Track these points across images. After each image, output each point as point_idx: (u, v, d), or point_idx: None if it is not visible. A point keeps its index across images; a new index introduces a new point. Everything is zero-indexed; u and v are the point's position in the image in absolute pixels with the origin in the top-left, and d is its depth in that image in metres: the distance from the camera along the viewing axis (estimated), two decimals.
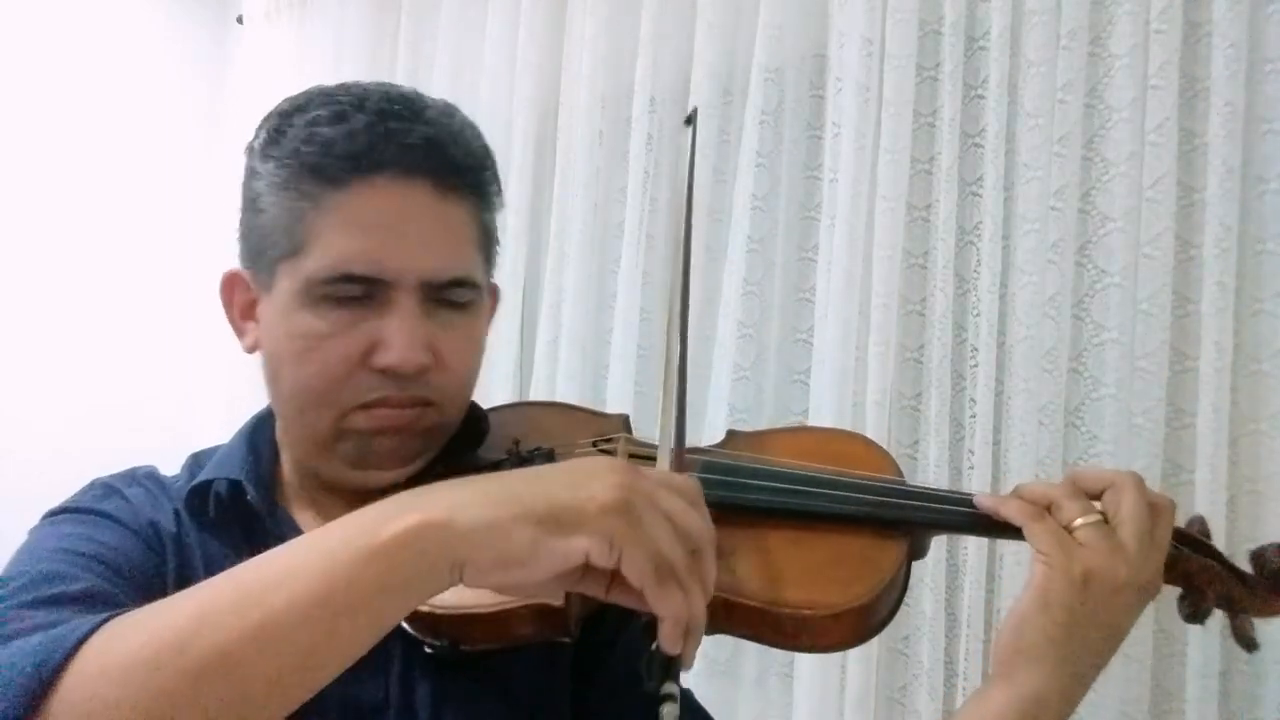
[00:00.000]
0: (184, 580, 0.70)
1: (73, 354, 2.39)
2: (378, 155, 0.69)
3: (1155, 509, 0.68)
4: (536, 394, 1.71)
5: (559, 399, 1.64)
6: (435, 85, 1.96)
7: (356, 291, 0.70)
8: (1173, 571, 0.71)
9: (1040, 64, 1.21)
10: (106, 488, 0.76)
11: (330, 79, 2.14)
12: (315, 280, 0.70)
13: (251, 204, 0.74)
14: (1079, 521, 0.67)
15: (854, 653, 1.29)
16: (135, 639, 0.50)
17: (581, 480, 0.55)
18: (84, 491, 0.76)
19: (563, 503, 0.53)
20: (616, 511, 0.53)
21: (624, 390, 1.60)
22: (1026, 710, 0.64)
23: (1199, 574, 0.72)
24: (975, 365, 1.26)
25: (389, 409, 0.72)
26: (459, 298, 0.74)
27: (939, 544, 1.24)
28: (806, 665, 1.33)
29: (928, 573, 1.24)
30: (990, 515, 0.70)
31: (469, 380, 0.78)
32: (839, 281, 1.35)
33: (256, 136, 0.75)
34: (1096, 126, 1.21)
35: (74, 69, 2.41)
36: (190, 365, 2.49)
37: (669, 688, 0.54)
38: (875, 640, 1.27)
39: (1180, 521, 0.73)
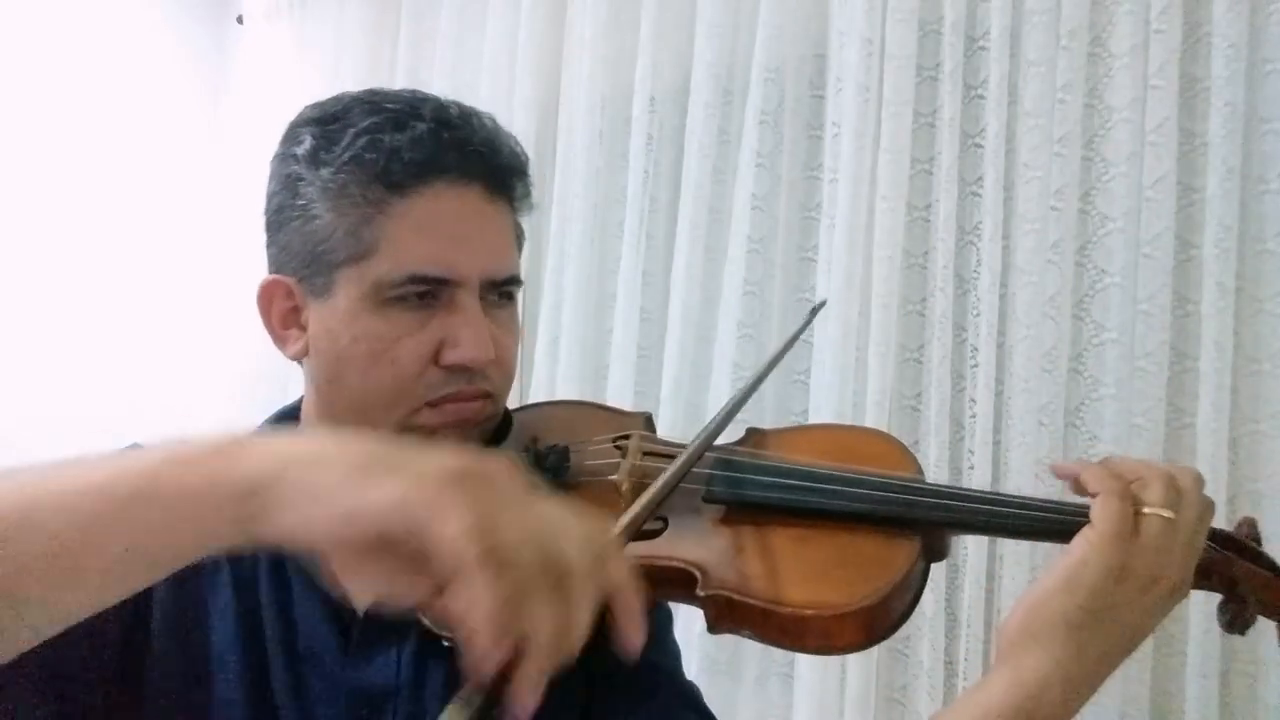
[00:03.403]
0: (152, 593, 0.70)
1: (71, 355, 2.39)
2: (441, 161, 0.72)
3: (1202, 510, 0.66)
4: (536, 394, 1.71)
5: (559, 399, 1.64)
6: (435, 85, 1.95)
7: (425, 291, 0.72)
8: (1215, 577, 0.68)
9: (1040, 64, 1.21)
10: None
11: (330, 78, 2.13)
12: (385, 283, 0.71)
13: (301, 211, 0.73)
14: (1150, 510, 0.64)
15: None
16: None
17: (429, 451, 0.47)
18: None
19: (386, 454, 0.47)
20: (449, 477, 0.45)
21: (624, 390, 1.60)
22: (1028, 694, 0.61)
23: (1243, 580, 0.68)
24: (975, 365, 1.26)
25: (457, 404, 0.74)
26: (511, 291, 0.78)
27: None
28: (807, 665, 1.33)
29: None
30: (1067, 477, 0.68)
31: (515, 372, 0.81)
32: (839, 281, 1.35)
33: (296, 144, 0.74)
34: (1096, 126, 1.21)
35: (74, 68, 2.41)
36: (193, 366, 2.48)
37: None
38: None
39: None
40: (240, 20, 2.55)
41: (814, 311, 0.98)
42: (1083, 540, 0.63)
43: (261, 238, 0.79)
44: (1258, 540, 0.71)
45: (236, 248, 2.32)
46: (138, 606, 0.69)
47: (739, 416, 0.83)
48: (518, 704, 0.43)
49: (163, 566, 0.49)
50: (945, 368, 1.27)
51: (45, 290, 2.36)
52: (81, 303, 2.41)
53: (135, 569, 0.48)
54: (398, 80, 2.05)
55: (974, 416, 1.25)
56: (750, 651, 1.45)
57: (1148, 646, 1.11)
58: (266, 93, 2.40)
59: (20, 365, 2.33)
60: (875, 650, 1.29)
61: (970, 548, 1.22)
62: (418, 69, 2.06)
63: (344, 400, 0.75)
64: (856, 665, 1.29)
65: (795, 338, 0.92)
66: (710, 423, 0.75)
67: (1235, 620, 0.69)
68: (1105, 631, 0.63)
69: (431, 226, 0.71)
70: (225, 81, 2.58)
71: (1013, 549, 1.20)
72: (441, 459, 0.46)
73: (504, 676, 0.43)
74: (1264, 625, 0.70)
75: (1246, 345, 1.10)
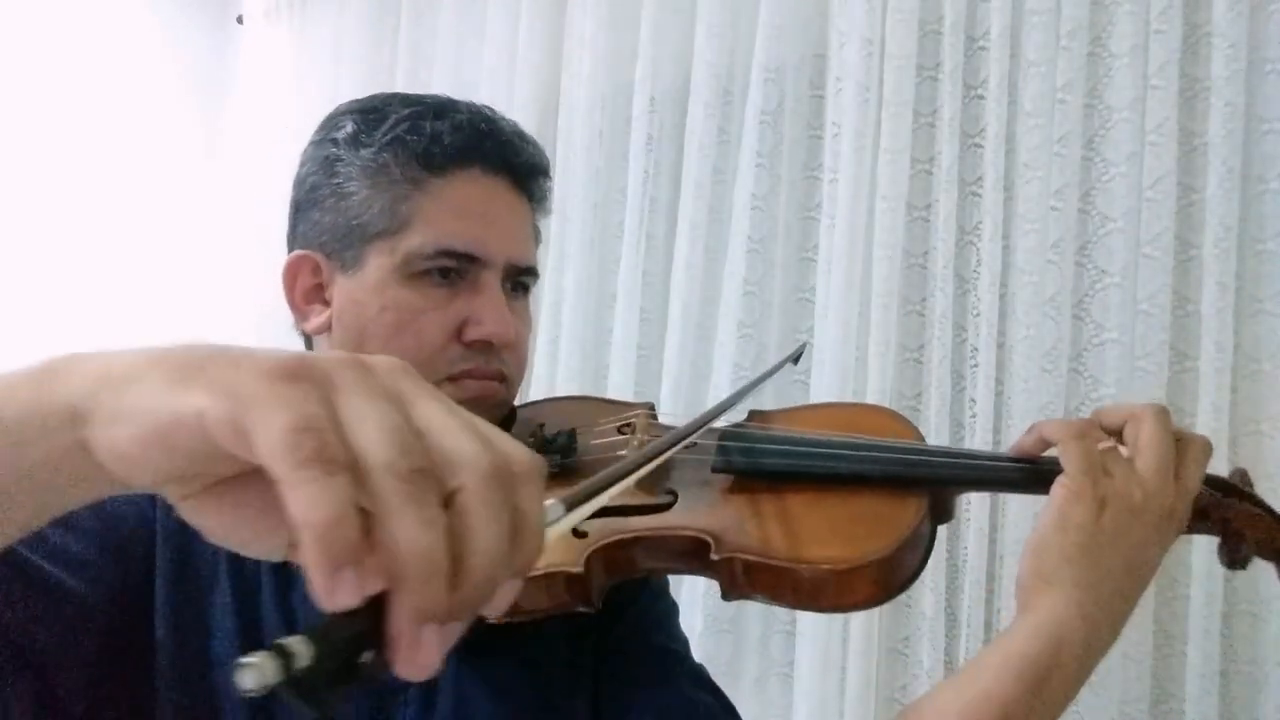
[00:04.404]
0: (183, 564, 0.71)
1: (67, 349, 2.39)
2: (477, 149, 0.77)
3: (1182, 442, 0.70)
4: (536, 394, 1.71)
5: (563, 395, 1.63)
6: (435, 85, 1.96)
7: (452, 267, 0.76)
8: (1209, 518, 0.73)
9: (1040, 64, 1.21)
10: None
11: (330, 79, 2.14)
12: (417, 255, 0.75)
13: (335, 189, 0.78)
14: (1104, 445, 0.70)
15: (854, 652, 1.29)
16: None
17: (266, 350, 0.36)
18: None
19: (209, 356, 0.35)
20: (280, 372, 0.33)
21: (624, 390, 1.60)
22: (1047, 635, 0.64)
23: (1236, 520, 0.72)
24: (975, 365, 1.26)
25: (475, 380, 0.77)
26: (528, 283, 0.83)
27: (939, 545, 1.23)
28: (806, 665, 1.33)
29: (928, 573, 1.23)
30: (1026, 446, 0.73)
31: (527, 362, 0.83)
32: (839, 281, 1.35)
33: (336, 130, 0.79)
34: (1096, 126, 1.21)
35: (73, 69, 2.41)
36: None
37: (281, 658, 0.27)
38: (875, 640, 1.29)
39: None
40: (240, 20, 2.55)
41: (795, 356, 1.03)
42: (1058, 484, 0.69)
43: (279, 227, 0.83)
44: (1249, 485, 0.75)
45: (235, 246, 2.32)
46: (134, 600, 0.69)
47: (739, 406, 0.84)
48: (398, 657, 0.31)
49: (17, 505, 0.39)
50: (945, 368, 1.27)
51: (42, 291, 2.36)
52: (79, 304, 2.41)
53: None
54: (398, 80, 2.05)
55: (974, 416, 1.25)
56: (750, 651, 1.45)
57: (1148, 646, 1.11)
58: (266, 93, 2.40)
59: (16, 361, 2.33)
60: (875, 650, 1.29)
61: (970, 548, 1.22)
62: (418, 69, 2.06)
63: None
64: (856, 665, 1.29)
65: (773, 372, 0.96)
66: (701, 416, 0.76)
67: (1233, 559, 0.73)
68: (1107, 563, 0.67)
69: (464, 206, 0.76)
70: (225, 81, 2.58)
71: (1013, 550, 1.19)
72: (277, 354, 0.35)
73: (375, 618, 0.31)
74: (1265, 611, 0.72)
75: (1246, 345, 1.10)
